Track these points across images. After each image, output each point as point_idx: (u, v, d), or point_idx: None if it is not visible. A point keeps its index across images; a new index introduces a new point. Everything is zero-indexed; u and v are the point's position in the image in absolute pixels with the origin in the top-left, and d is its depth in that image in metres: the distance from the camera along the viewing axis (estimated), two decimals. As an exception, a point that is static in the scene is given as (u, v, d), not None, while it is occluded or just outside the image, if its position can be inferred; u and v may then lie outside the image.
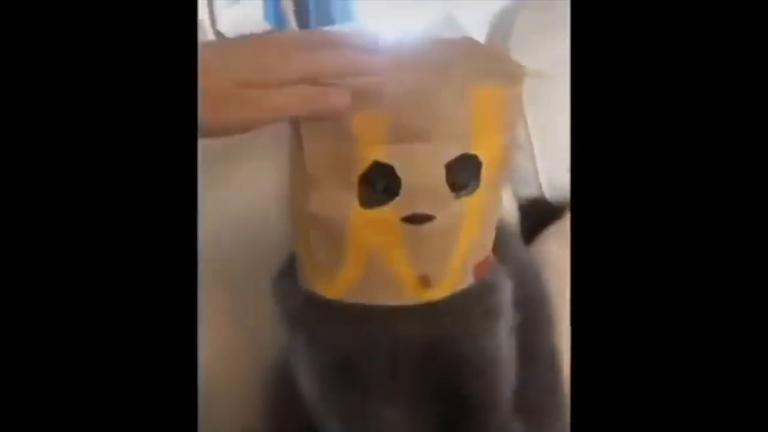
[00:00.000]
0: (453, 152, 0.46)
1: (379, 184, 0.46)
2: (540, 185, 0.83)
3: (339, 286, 0.49)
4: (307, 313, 0.53)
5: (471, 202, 0.48)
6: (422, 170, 0.45)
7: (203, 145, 0.40)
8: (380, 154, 0.45)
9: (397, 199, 0.46)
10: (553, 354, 0.62)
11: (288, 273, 0.56)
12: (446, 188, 0.46)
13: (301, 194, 0.49)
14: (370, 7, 1.87)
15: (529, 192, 0.83)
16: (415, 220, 0.46)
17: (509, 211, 0.78)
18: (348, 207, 0.46)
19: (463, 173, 0.47)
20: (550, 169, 0.82)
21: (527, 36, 0.80)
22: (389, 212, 0.46)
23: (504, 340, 0.55)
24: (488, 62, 0.47)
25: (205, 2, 2.21)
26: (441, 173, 0.46)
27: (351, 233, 0.47)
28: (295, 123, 0.47)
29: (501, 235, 0.56)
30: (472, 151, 0.47)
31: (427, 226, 0.46)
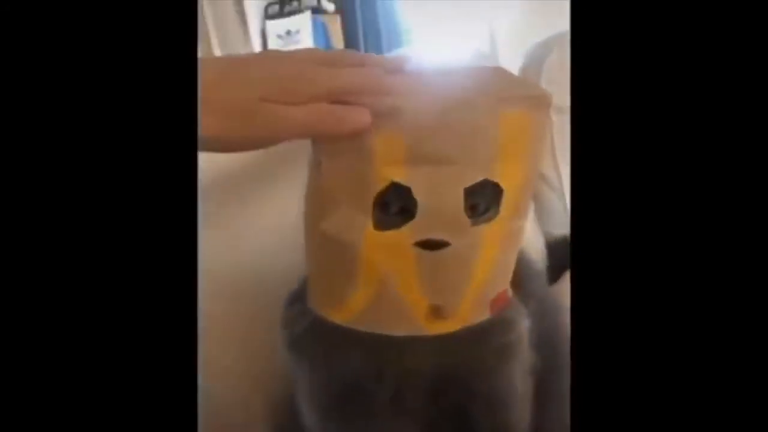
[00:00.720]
0: (474, 177, 0.44)
1: (395, 205, 0.45)
2: (569, 223, 0.80)
3: (348, 311, 0.48)
4: (314, 338, 0.52)
5: (489, 231, 0.46)
6: (440, 193, 0.44)
7: (208, 167, 0.39)
8: (398, 175, 0.44)
9: (413, 222, 0.44)
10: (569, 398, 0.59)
11: (299, 298, 0.54)
12: (464, 214, 0.44)
13: (316, 213, 0.48)
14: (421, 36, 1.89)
15: (557, 230, 0.80)
16: (429, 245, 0.44)
17: (536, 247, 0.76)
18: (362, 228, 0.45)
19: (483, 200, 0.45)
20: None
21: (559, 71, 0.79)
22: (403, 236, 0.44)
23: (518, 381, 0.52)
24: (516, 89, 0.46)
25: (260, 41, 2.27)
26: (459, 198, 0.44)
27: (363, 256, 0.45)
28: (316, 139, 0.46)
29: (524, 272, 0.54)
30: (494, 179, 0.45)
31: (441, 253, 0.44)
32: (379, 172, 0.44)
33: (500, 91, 0.45)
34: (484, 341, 0.49)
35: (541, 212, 0.81)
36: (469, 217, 0.45)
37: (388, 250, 0.45)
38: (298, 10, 2.30)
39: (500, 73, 0.48)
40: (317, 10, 2.29)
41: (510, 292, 0.52)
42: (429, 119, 0.43)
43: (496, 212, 0.46)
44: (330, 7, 2.33)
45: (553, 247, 0.78)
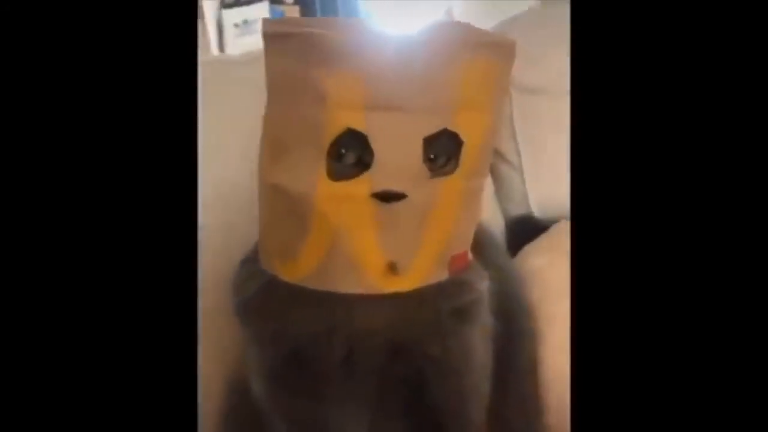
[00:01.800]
0: (433, 126, 0.42)
1: (350, 154, 0.42)
2: (528, 203, 0.79)
3: (300, 268, 0.45)
4: (263, 300, 0.48)
5: (447, 185, 0.44)
6: (398, 142, 0.41)
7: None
8: (354, 121, 0.41)
9: (369, 172, 0.41)
10: (533, 369, 0.57)
11: (251, 260, 0.51)
12: (422, 165, 0.42)
13: (266, 164, 0.44)
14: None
15: (517, 209, 0.79)
16: (386, 197, 0.42)
17: (496, 224, 0.74)
18: (315, 178, 0.42)
19: (442, 151, 0.43)
20: (540, 186, 0.79)
21: (524, 49, 0.78)
22: (359, 187, 0.42)
23: (476, 347, 0.50)
24: (480, 36, 0.44)
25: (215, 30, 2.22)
26: (418, 148, 0.42)
27: (316, 207, 0.42)
28: (267, 81, 0.43)
29: (485, 241, 0.52)
30: (454, 129, 0.43)
31: (398, 205, 0.42)
32: (334, 117, 0.41)
33: (463, 37, 0.43)
34: (440, 301, 0.47)
35: (501, 190, 0.80)
36: (428, 169, 0.43)
37: (342, 202, 0.42)
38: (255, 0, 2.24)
39: (463, 24, 0.46)
40: (276, 0, 2.25)
41: (470, 255, 0.49)
42: (389, 61, 0.41)
43: (455, 165, 0.44)
44: (288, -3, 2.28)
45: (513, 226, 0.77)
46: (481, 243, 0.50)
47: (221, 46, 2.08)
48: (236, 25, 2.27)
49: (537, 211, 0.78)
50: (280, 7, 2.25)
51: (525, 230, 0.75)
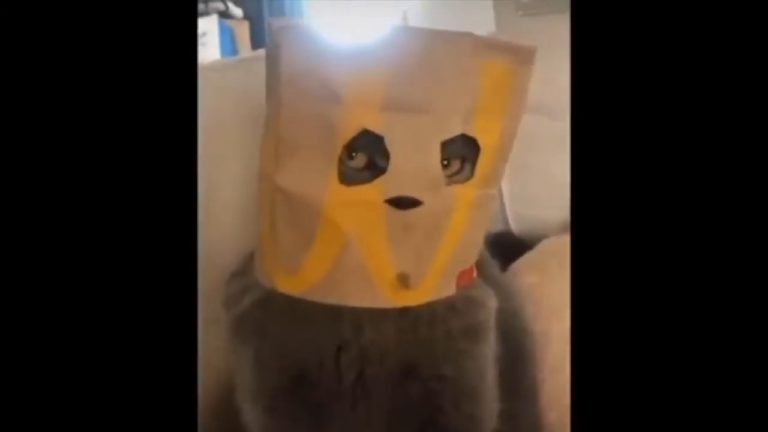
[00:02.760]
0: (451, 130, 0.40)
1: (365, 157, 0.39)
2: (507, 220, 0.78)
3: (304, 279, 0.41)
4: (261, 314, 0.44)
5: (462, 193, 0.41)
6: (416, 146, 0.39)
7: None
8: (371, 121, 0.38)
9: (384, 177, 0.39)
10: (535, 392, 0.55)
11: (242, 273, 0.47)
12: (440, 170, 0.40)
13: (271, 166, 0.41)
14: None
15: (495, 226, 0.78)
16: (401, 203, 0.39)
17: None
18: (325, 182, 0.39)
19: (459, 156, 0.41)
20: (518, 204, 0.78)
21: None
22: (372, 192, 0.39)
23: (487, 368, 0.47)
24: (498, 40, 0.42)
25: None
26: (436, 152, 0.39)
27: (325, 213, 0.39)
28: (275, 80, 0.39)
29: (482, 258, 0.50)
30: (472, 134, 0.41)
31: (413, 213, 0.39)
32: (350, 117, 0.38)
33: (483, 40, 0.41)
34: (451, 319, 0.44)
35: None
36: (444, 175, 0.40)
37: (354, 208, 0.39)
38: (204, 13, 2.19)
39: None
40: (225, 15, 2.20)
41: (476, 271, 0.47)
42: (409, 61, 0.38)
43: (471, 173, 0.42)
44: (238, 12, 2.24)
45: (493, 243, 0.76)
46: (480, 262, 0.48)
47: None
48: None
49: (516, 228, 0.77)
50: (227, 22, 2.21)
51: (504, 248, 0.74)
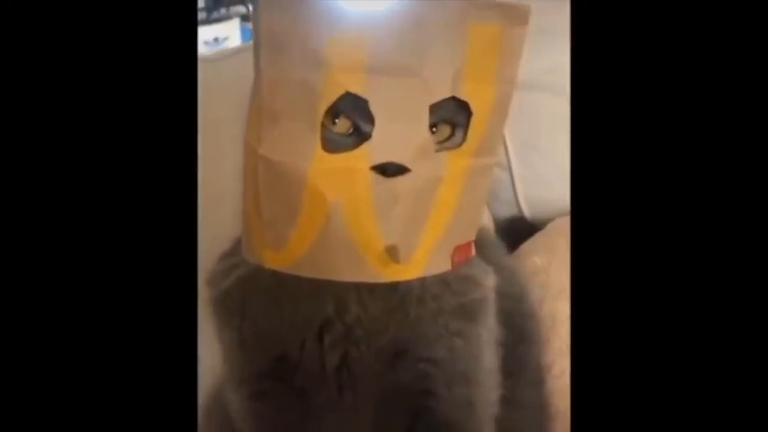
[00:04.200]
0: (440, 93, 0.38)
1: (349, 122, 0.38)
2: (518, 203, 0.76)
3: (289, 253, 0.39)
4: (245, 290, 0.43)
5: (454, 161, 0.40)
6: (402, 108, 0.37)
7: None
8: (354, 84, 0.37)
9: (369, 143, 0.37)
10: (541, 376, 0.53)
11: (231, 254, 0.46)
12: (428, 135, 0.38)
13: (254, 136, 0.40)
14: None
15: (506, 210, 0.76)
16: (387, 170, 0.37)
17: (488, 224, 0.71)
18: (309, 149, 0.38)
19: (449, 121, 0.39)
20: (530, 187, 0.76)
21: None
22: (358, 159, 0.37)
23: (485, 351, 0.45)
24: (488, 2, 0.41)
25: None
26: (424, 115, 0.38)
27: (309, 182, 0.38)
28: (257, 46, 0.38)
29: (483, 236, 0.48)
30: (463, 97, 0.39)
31: (400, 180, 0.37)
32: (332, 80, 0.37)
33: (472, 1, 0.39)
34: (444, 297, 0.42)
35: (490, 193, 0.76)
36: (434, 141, 0.39)
37: (338, 176, 0.38)
38: (226, 17, 2.21)
39: None
40: (246, 18, 2.22)
41: (474, 248, 0.45)
42: (393, 22, 0.37)
43: (462, 138, 0.40)
44: (260, 15, 2.26)
45: (504, 228, 0.74)
46: (479, 239, 0.46)
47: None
48: (206, 43, 2.23)
49: (527, 211, 0.75)
50: (250, 25, 2.23)
51: (515, 231, 0.72)
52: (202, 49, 2.23)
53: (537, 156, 0.74)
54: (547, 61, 0.66)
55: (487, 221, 0.70)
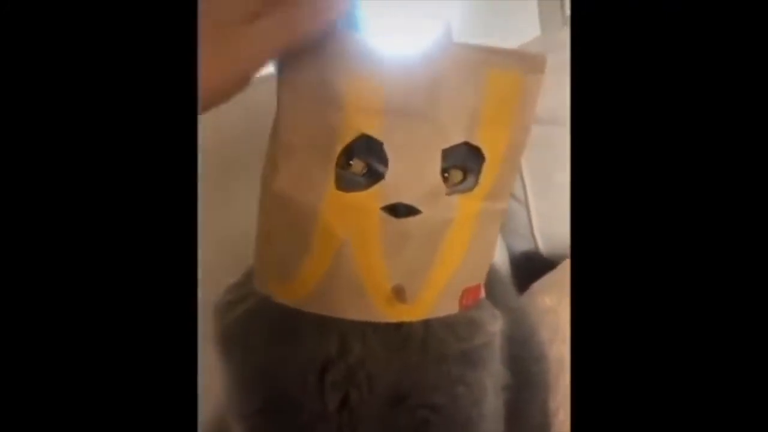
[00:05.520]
0: (453, 138, 0.38)
1: (363, 162, 0.38)
2: (534, 238, 0.75)
3: (298, 287, 0.39)
4: (253, 323, 0.43)
5: (465, 204, 0.39)
6: (416, 152, 0.37)
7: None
8: (371, 126, 0.37)
9: (381, 183, 0.37)
10: (546, 420, 0.52)
11: (242, 284, 0.46)
12: (439, 179, 0.38)
13: (270, 170, 0.40)
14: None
15: (522, 244, 0.75)
16: (398, 211, 0.37)
17: (501, 261, 0.70)
18: (321, 187, 0.38)
19: (461, 166, 0.39)
20: (546, 222, 0.75)
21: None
22: (369, 199, 0.37)
23: (488, 397, 0.44)
24: (507, 49, 0.41)
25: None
26: (436, 159, 0.38)
27: (321, 219, 0.38)
28: (278, 83, 0.39)
29: (492, 276, 0.47)
30: (476, 143, 0.39)
31: (410, 221, 0.37)
32: (349, 120, 0.37)
33: (490, 48, 0.39)
34: (448, 342, 0.42)
35: (505, 224, 0.76)
36: (445, 185, 0.39)
37: (350, 214, 0.38)
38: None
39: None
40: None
41: (483, 291, 0.45)
42: (412, 67, 0.37)
43: (475, 183, 0.40)
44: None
45: (519, 262, 0.73)
46: (489, 278, 0.46)
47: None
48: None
49: (543, 247, 0.74)
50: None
51: (530, 267, 0.71)
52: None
53: (553, 190, 0.73)
54: (564, 95, 0.65)
55: (499, 259, 0.70)
